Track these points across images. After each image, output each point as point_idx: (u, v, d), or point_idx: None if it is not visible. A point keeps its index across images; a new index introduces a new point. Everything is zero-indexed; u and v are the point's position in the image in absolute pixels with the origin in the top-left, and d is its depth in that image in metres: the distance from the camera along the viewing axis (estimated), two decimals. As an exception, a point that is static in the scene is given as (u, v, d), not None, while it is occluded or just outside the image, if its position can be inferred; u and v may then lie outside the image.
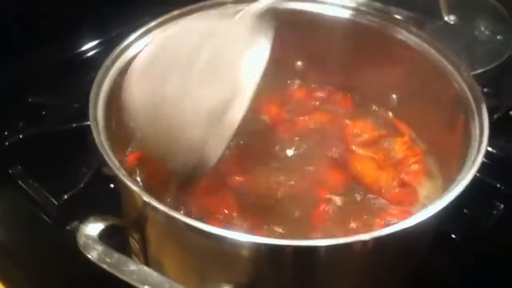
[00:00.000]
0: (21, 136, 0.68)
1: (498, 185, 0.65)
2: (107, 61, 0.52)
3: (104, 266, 0.42)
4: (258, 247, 0.41)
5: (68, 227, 0.62)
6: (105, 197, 0.60)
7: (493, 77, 0.77)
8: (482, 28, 0.82)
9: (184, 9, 0.58)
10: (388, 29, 0.60)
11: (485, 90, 0.76)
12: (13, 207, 0.66)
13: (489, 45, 0.80)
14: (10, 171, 0.66)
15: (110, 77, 0.52)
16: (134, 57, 0.52)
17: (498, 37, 0.81)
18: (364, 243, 0.41)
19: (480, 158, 0.46)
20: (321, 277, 0.44)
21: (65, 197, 0.62)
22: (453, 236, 0.60)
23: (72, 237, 0.57)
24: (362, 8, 0.60)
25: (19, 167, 0.67)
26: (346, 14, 0.61)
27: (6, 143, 0.67)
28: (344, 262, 0.43)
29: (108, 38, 0.79)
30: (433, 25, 0.83)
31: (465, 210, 0.63)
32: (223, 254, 0.42)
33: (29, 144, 0.68)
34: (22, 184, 0.65)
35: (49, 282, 0.58)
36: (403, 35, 0.60)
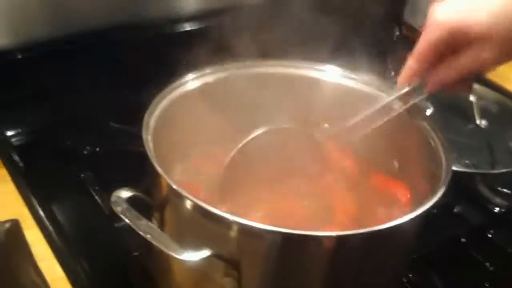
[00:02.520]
0: (97, 149, 0.84)
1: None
2: (159, 97, 0.65)
3: (123, 217, 0.54)
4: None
5: (116, 225, 0.75)
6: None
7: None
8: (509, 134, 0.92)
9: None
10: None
11: (503, 190, 0.86)
12: (79, 206, 0.80)
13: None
14: (81, 176, 0.82)
15: (159, 108, 0.64)
16: (181, 94, 0.66)
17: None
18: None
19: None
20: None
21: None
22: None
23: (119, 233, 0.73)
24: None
25: (90, 174, 0.82)
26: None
27: (86, 153, 0.84)
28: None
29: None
30: (465, 127, 0.94)
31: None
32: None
33: (101, 158, 0.84)
34: (89, 188, 0.80)
35: (101, 268, 0.70)
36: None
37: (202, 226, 0.53)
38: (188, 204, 0.53)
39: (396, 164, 0.68)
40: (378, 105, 0.63)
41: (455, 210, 0.82)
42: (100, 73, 0.89)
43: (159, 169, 0.54)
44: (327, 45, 0.77)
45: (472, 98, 0.94)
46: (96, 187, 0.80)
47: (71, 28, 0.89)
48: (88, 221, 0.77)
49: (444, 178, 0.57)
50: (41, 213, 0.73)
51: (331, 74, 0.71)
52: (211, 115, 0.67)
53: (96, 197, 0.78)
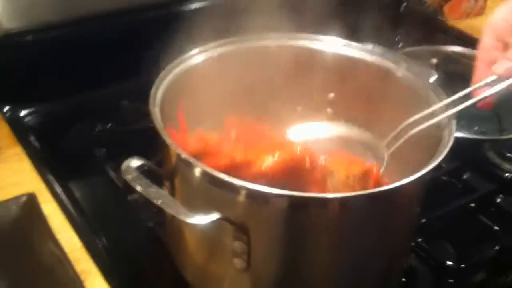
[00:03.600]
0: (108, 126, 0.86)
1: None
2: (165, 71, 0.66)
3: (133, 184, 0.55)
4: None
5: (129, 198, 0.77)
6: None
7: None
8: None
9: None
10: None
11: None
12: (93, 180, 0.82)
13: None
14: (95, 152, 0.84)
15: (166, 81, 0.65)
16: (187, 69, 0.67)
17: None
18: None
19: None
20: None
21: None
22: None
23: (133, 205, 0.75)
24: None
25: (103, 150, 0.83)
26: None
27: (98, 131, 0.86)
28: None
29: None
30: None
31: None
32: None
33: (115, 135, 0.86)
34: (103, 163, 0.82)
35: (117, 239, 0.71)
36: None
37: (211, 192, 0.54)
38: (197, 171, 0.55)
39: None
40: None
41: (464, 176, 0.82)
42: (109, 53, 0.91)
43: (167, 139, 0.56)
44: (333, 17, 0.77)
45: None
46: (109, 162, 0.81)
47: (80, 10, 0.90)
48: (102, 195, 0.79)
49: (447, 140, 0.57)
50: (57, 188, 0.75)
51: (333, 45, 0.71)
52: (217, 88, 0.68)
53: (109, 172, 0.80)
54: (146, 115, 0.88)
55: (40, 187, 0.74)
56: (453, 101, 0.62)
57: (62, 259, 0.61)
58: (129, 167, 0.57)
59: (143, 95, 0.92)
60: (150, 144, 0.81)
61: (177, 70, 0.66)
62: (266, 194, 0.52)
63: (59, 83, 0.90)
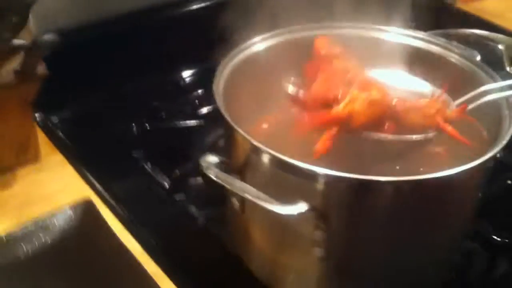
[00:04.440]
0: (146, 127, 0.86)
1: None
2: (228, 57, 0.65)
3: (218, 180, 0.56)
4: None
5: (177, 198, 0.77)
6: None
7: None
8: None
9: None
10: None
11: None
12: (134, 182, 0.81)
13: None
14: (134, 154, 0.83)
15: (228, 67, 0.64)
16: (248, 56, 0.67)
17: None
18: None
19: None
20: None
21: (177, 173, 0.79)
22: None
23: (179, 206, 0.75)
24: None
25: (141, 151, 0.83)
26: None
27: (134, 132, 0.86)
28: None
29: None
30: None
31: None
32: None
33: (151, 135, 0.86)
34: (144, 164, 0.81)
35: (162, 239, 0.71)
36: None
37: (288, 181, 0.54)
38: (267, 158, 0.54)
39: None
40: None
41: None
42: (139, 54, 0.90)
43: (240, 130, 0.55)
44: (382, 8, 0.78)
45: (500, 46, 0.96)
46: (149, 163, 0.81)
47: (109, 11, 0.90)
48: (149, 196, 0.78)
49: (509, 123, 0.58)
50: (104, 193, 0.74)
51: (392, 34, 0.72)
52: (276, 78, 0.68)
53: (152, 173, 0.80)
54: (177, 114, 0.89)
55: (88, 193, 0.73)
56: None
57: (132, 262, 0.60)
58: (209, 163, 0.56)
59: (174, 95, 0.94)
60: (185, 143, 0.83)
61: (237, 59, 0.66)
62: (344, 179, 0.52)
63: (85, 87, 0.89)
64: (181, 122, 0.88)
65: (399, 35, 0.72)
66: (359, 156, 0.60)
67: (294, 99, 0.61)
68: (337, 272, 0.59)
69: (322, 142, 0.58)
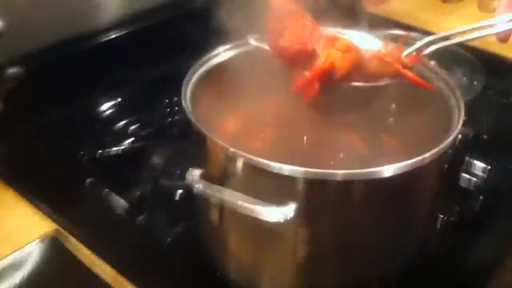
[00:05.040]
0: (96, 155, 0.86)
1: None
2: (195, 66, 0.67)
3: (207, 192, 0.58)
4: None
5: (139, 219, 0.78)
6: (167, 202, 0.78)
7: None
8: (459, 74, 1.03)
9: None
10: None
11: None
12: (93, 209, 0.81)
13: (462, 84, 1.01)
14: (87, 181, 0.83)
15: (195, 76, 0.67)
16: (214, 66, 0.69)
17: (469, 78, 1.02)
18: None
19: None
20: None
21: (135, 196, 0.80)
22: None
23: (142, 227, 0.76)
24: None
25: (94, 178, 0.83)
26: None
27: (84, 160, 0.86)
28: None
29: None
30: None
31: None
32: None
33: (101, 161, 0.86)
34: (100, 190, 0.81)
35: (127, 263, 0.71)
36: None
37: (271, 184, 0.56)
38: (241, 162, 0.56)
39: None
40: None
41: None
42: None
43: (214, 138, 0.57)
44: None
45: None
46: (100, 190, 0.81)
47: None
48: (111, 221, 0.78)
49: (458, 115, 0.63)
50: (67, 224, 0.74)
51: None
52: (245, 84, 0.69)
53: (108, 198, 0.80)
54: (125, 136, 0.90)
55: (50, 226, 0.73)
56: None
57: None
58: (194, 176, 0.58)
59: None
60: (140, 165, 0.84)
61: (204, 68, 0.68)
62: (324, 174, 0.54)
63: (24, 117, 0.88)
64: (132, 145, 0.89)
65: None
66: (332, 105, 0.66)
67: (274, 51, 0.65)
68: (322, 271, 0.61)
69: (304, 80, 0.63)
